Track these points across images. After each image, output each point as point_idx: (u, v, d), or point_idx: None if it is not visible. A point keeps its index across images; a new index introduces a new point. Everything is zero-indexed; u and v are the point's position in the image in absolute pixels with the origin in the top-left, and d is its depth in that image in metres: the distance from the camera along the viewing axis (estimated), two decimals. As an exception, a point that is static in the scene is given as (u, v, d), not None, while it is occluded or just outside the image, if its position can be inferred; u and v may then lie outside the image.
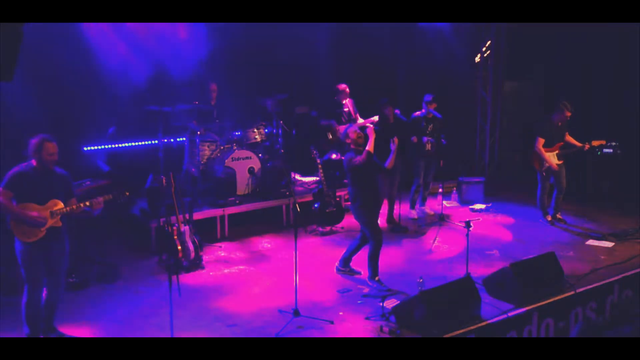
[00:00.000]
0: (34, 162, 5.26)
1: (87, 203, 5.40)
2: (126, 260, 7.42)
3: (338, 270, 7.10)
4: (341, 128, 9.54)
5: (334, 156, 9.41)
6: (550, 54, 11.05)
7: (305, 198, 8.88)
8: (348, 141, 6.82)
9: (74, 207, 5.36)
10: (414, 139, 8.92)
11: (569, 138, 8.71)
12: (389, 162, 6.84)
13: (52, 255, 5.34)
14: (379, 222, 6.93)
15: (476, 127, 11.67)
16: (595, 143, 8.71)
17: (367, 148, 6.65)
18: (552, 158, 8.66)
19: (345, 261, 7.06)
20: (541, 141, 8.66)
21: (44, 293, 5.39)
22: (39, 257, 5.27)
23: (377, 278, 6.62)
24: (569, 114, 8.55)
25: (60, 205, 5.31)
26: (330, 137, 9.47)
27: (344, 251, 7.14)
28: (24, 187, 5.19)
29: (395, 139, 7.02)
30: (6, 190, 5.16)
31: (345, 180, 7.78)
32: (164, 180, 7.22)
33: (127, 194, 5.62)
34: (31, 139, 5.25)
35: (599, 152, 9.79)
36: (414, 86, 10.47)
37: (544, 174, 8.77)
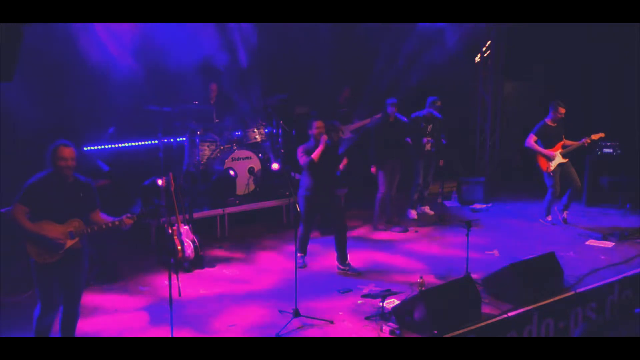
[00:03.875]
0: (51, 171, 4.71)
1: (117, 222, 4.89)
2: (126, 260, 7.42)
3: (339, 269, 7.12)
4: (344, 128, 9.62)
5: None
6: (550, 54, 11.05)
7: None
8: (310, 132, 6.99)
9: (95, 227, 4.83)
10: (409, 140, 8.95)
11: (567, 141, 8.67)
12: (316, 154, 6.84)
13: (70, 277, 4.86)
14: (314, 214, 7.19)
15: (476, 127, 11.66)
16: (594, 137, 8.67)
17: (312, 156, 6.82)
18: (556, 157, 8.62)
19: (342, 259, 7.09)
20: (533, 137, 8.66)
21: (60, 309, 5.00)
22: (55, 278, 4.78)
23: (300, 253, 7.11)
24: (562, 110, 8.53)
25: (81, 224, 4.78)
26: (335, 137, 9.51)
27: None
28: (41, 201, 4.63)
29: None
30: (21, 205, 4.61)
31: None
32: (163, 180, 7.22)
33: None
34: (50, 145, 4.70)
35: (599, 152, 9.79)
36: (414, 86, 10.46)
37: (552, 174, 8.66)
